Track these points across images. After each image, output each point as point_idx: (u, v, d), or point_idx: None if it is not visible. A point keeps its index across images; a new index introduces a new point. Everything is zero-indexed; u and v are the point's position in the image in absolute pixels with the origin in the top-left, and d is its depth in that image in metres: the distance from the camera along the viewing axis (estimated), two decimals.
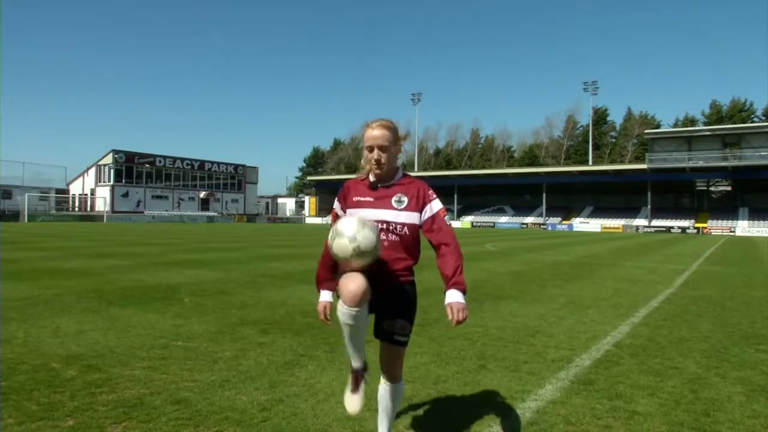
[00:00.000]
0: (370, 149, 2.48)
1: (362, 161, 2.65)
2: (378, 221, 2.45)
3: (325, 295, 2.58)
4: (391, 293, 2.49)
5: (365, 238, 2.28)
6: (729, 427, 3.24)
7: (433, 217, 2.51)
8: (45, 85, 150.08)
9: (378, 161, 2.47)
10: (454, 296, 2.40)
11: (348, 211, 2.56)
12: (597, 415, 3.38)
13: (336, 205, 2.68)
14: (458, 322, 2.37)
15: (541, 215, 68.06)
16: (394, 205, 2.49)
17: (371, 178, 2.57)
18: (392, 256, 2.47)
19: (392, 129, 2.51)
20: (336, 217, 2.58)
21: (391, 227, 2.47)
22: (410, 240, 2.50)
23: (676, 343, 5.37)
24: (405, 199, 2.50)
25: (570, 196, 70.29)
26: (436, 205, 2.52)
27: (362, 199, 2.53)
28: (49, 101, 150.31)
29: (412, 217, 2.49)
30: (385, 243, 2.45)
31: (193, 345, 4.89)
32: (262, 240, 24.70)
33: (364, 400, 2.65)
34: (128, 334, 5.27)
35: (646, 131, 70.82)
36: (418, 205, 2.51)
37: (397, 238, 2.47)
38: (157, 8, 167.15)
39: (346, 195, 2.61)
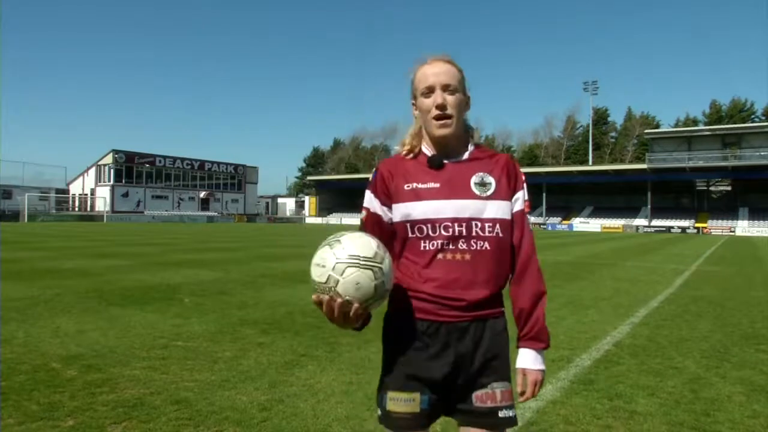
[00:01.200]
0: (429, 91, 1.55)
1: (406, 140, 1.67)
2: (454, 220, 1.52)
3: None
4: (478, 343, 1.55)
5: (388, 267, 1.43)
6: (729, 427, 3.25)
7: (521, 215, 1.63)
8: (45, 85, 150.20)
9: (442, 107, 1.53)
10: (533, 360, 1.58)
11: (397, 207, 1.58)
12: (597, 415, 3.39)
13: (370, 200, 1.63)
14: (528, 398, 1.61)
15: (541, 215, 68.03)
16: (476, 191, 1.56)
17: (426, 151, 1.62)
18: (478, 277, 1.53)
19: (459, 69, 1.61)
20: (371, 222, 1.61)
21: (475, 229, 1.53)
22: (504, 247, 1.58)
23: (676, 343, 5.37)
24: (491, 180, 1.58)
25: (570, 196, 70.24)
26: (524, 196, 1.65)
27: (421, 186, 1.55)
28: (49, 101, 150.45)
29: (503, 209, 1.58)
30: (467, 256, 1.52)
31: (193, 345, 4.89)
32: (262, 240, 24.71)
33: None
34: (128, 334, 5.27)
35: (646, 131, 70.81)
36: (510, 190, 1.61)
37: (487, 246, 1.53)
38: (157, 8, 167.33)
39: (387, 182, 1.60)
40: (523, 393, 1.58)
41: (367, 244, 1.42)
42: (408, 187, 1.57)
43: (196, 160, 77.12)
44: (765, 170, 54.03)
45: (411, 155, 1.64)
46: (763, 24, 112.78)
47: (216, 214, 74.32)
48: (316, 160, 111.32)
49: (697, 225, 56.94)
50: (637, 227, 58.99)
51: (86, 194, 69.63)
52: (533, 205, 69.34)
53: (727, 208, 60.35)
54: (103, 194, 66.32)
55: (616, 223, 61.27)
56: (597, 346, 5.21)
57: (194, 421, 3.15)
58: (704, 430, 3.21)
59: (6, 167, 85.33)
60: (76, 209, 68.04)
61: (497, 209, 1.56)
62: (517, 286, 1.61)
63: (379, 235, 1.55)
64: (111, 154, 67.37)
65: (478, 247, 1.53)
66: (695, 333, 5.88)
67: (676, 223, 58.59)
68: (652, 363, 4.63)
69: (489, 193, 1.57)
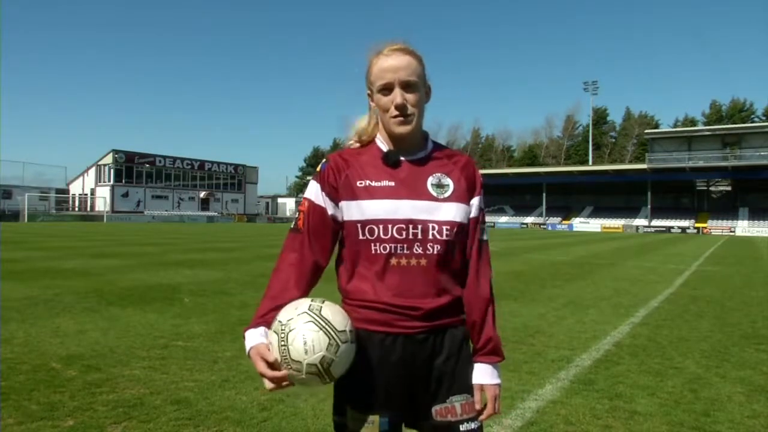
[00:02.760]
0: (387, 89, 1.45)
1: (356, 127, 1.58)
2: (408, 222, 1.43)
3: (255, 336, 1.37)
4: (436, 355, 1.46)
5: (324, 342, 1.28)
6: (729, 427, 3.25)
7: (475, 222, 1.53)
8: (45, 85, 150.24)
9: (402, 108, 1.43)
10: (489, 375, 1.48)
11: (345, 204, 1.46)
12: (597, 415, 3.39)
13: (315, 191, 1.50)
14: (490, 415, 1.48)
15: (541, 215, 68.04)
16: (433, 192, 1.47)
17: (382, 146, 1.52)
18: (435, 284, 1.44)
19: (419, 58, 1.49)
20: (313, 214, 1.48)
21: (432, 233, 1.44)
22: (459, 252, 1.49)
23: (676, 343, 5.37)
24: (449, 182, 1.50)
25: (570, 196, 70.27)
26: (480, 203, 1.55)
27: (375, 183, 1.45)
28: (49, 101, 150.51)
29: (461, 213, 1.48)
30: (423, 261, 1.43)
31: (193, 345, 4.89)
32: (262, 240, 24.71)
33: None
34: (128, 334, 5.27)
35: (646, 131, 70.85)
36: (468, 194, 1.52)
37: (441, 250, 1.44)
38: (157, 8, 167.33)
39: (338, 175, 1.48)
40: (482, 410, 1.47)
41: (343, 318, 1.34)
42: (361, 183, 1.46)
43: (196, 160, 77.11)
44: (765, 170, 54.06)
45: (359, 146, 1.54)
46: (763, 24, 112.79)
47: (216, 214, 74.31)
48: (316, 160, 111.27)
49: (697, 225, 56.97)
50: (637, 227, 59.01)
51: (86, 194, 69.63)
52: (533, 204, 69.54)
53: (727, 208, 60.37)
54: (103, 194, 66.32)
55: (616, 223, 61.28)
56: (597, 346, 5.21)
57: (194, 421, 3.15)
58: (704, 430, 3.21)
59: (6, 167, 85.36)
60: (76, 209, 68.03)
61: (454, 212, 1.47)
62: (468, 297, 1.51)
63: (320, 231, 1.47)
64: (111, 154, 67.36)
65: (434, 252, 1.43)
66: (695, 333, 5.88)
67: (676, 223, 58.61)
68: (652, 363, 4.63)
69: (446, 195, 1.48)
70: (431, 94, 1.55)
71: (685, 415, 3.42)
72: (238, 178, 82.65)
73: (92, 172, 69.63)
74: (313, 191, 1.49)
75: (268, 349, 1.30)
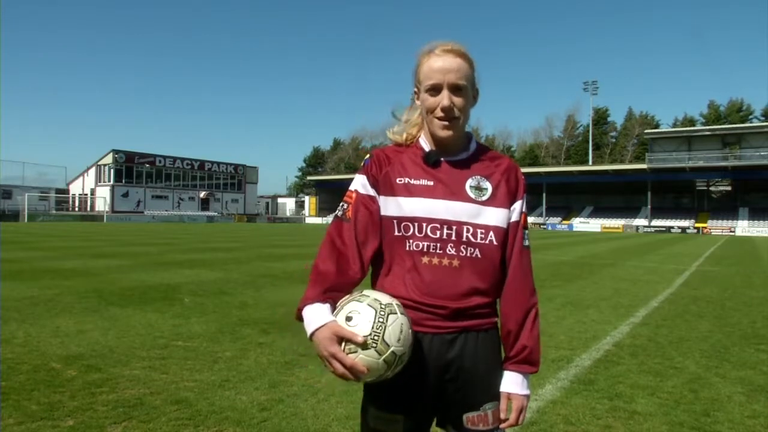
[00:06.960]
0: (435, 90, 1.43)
1: (398, 126, 1.59)
2: (443, 222, 1.42)
3: (325, 312, 1.35)
4: (467, 358, 1.44)
5: (399, 334, 1.31)
6: (729, 427, 3.25)
7: (516, 226, 1.51)
8: (45, 84, 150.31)
9: (448, 110, 1.42)
10: (519, 384, 1.46)
11: (385, 200, 1.46)
12: (597, 415, 3.39)
13: (361, 184, 1.50)
14: (512, 425, 1.46)
15: (541, 215, 68.02)
16: (471, 194, 1.46)
17: (424, 145, 1.52)
18: (467, 286, 1.43)
19: (471, 62, 1.49)
20: (362, 205, 1.47)
21: (466, 235, 1.43)
22: (497, 256, 1.47)
23: (676, 343, 5.37)
24: (488, 185, 1.48)
25: (570, 196, 70.24)
26: (522, 207, 1.54)
27: (414, 181, 1.45)
28: (49, 101, 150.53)
29: (499, 217, 1.47)
30: (455, 262, 1.42)
31: (193, 345, 4.89)
32: (262, 240, 24.70)
33: None
34: (128, 334, 5.27)
35: (646, 131, 70.84)
36: (509, 198, 1.51)
37: (478, 254, 1.43)
38: (157, 8, 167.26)
39: (380, 170, 1.49)
40: (506, 419, 1.45)
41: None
42: (400, 180, 1.46)
43: (196, 160, 77.10)
44: (765, 170, 54.04)
45: (404, 144, 1.55)
46: (763, 24, 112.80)
47: (216, 214, 74.29)
48: (316, 160, 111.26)
49: (697, 225, 56.95)
50: (637, 227, 58.98)
51: (86, 194, 69.63)
52: (533, 205, 69.42)
53: (727, 208, 60.35)
54: (103, 194, 66.31)
55: (616, 223, 61.26)
56: (597, 346, 5.21)
57: (194, 421, 3.15)
58: (704, 430, 3.21)
59: (6, 167, 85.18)
60: (76, 209, 68.03)
61: (492, 216, 1.46)
62: (506, 303, 1.49)
63: (370, 222, 1.46)
64: (111, 154, 67.36)
65: (469, 254, 1.42)
66: (695, 333, 5.88)
67: (676, 223, 58.59)
68: (652, 363, 4.63)
69: (485, 198, 1.46)
70: (478, 97, 1.55)
71: (685, 415, 3.42)
72: (238, 178, 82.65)
73: (92, 172, 69.62)
74: (361, 182, 1.50)
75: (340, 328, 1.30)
